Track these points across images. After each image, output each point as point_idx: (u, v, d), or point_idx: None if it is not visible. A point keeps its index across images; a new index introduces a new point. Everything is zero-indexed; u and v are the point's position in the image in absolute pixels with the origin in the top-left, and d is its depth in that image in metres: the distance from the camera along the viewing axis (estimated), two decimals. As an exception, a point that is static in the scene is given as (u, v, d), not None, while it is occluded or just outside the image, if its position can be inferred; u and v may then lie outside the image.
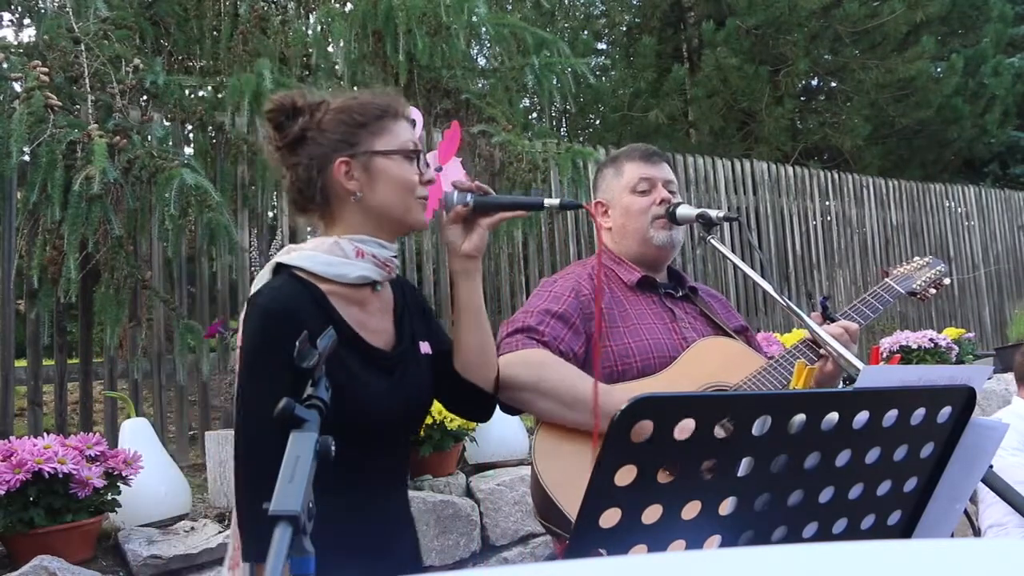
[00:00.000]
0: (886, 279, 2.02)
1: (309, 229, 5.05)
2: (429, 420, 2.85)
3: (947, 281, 2.06)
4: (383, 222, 1.42)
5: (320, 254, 1.39)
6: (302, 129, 1.42)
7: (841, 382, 1.83)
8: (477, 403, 1.57)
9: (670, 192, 1.94)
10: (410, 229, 1.49)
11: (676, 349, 1.81)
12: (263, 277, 1.42)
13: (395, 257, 1.46)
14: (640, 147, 2.00)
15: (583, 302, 1.82)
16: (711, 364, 1.79)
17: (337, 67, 5.00)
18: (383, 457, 1.44)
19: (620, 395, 1.59)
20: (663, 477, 0.83)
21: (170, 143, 3.69)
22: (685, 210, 1.88)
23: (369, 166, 1.40)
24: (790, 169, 7.21)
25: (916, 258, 2.11)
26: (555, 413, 1.65)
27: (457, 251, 1.44)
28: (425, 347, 1.52)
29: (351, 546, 1.33)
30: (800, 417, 0.85)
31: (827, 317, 1.84)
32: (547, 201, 1.36)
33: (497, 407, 1.76)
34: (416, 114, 2.33)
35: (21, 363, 3.61)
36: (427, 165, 1.47)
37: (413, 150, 1.43)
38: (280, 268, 1.40)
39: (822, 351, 1.75)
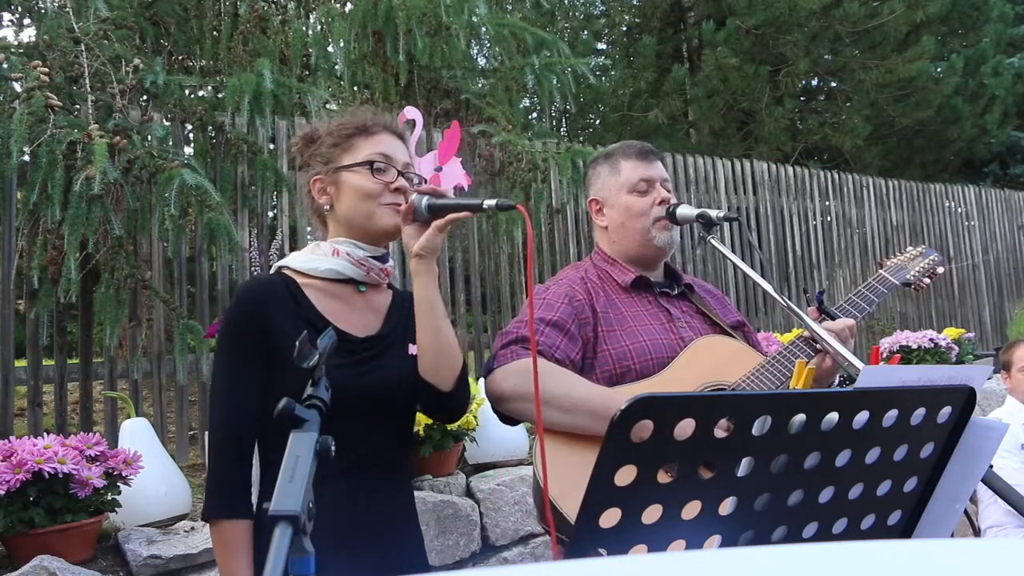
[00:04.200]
0: (880, 271, 1.99)
1: (309, 230, 5.04)
2: (429, 420, 2.84)
3: (940, 270, 2.01)
4: (354, 229, 1.57)
5: (302, 254, 1.59)
6: (309, 156, 1.63)
7: (839, 381, 1.82)
8: (436, 403, 1.57)
9: (667, 191, 1.94)
10: (383, 234, 1.57)
11: (674, 349, 1.80)
12: None
13: (374, 258, 1.57)
14: (635, 144, 1.98)
15: (577, 307, 1.81)
16: (709, 363, 1.78)
17: (337, 67, 5.00)
18: (356, 442, 1.46)
19: (621, 397, 1.59)
20: (663, 477, 0.83)
21: (170, 143, 3.69)
22: (685, 210, 1.87)
23: (337, 180, 1.57)
24: (790, 169, 7.21)
25: (909, 248, 2.08)
26: (553, 420, 1.64)
27: (410, 251, 1.50)
28: (414, 349, 1.56)
29: (328, 539, 1.32)
30: (800, 417, 0.85)
31: (823, 311, 1.84)
32: (486, 202, 1.42)
33: (496, 416, 1.77)
34: (416, 114, 2.33)
35: (21, 363, 3.61)
36: (403, 174, 1.57)
37: (378, 161, 1.55)
38: (279, 271, 1.60)
39: (819, 346, 1.74)
